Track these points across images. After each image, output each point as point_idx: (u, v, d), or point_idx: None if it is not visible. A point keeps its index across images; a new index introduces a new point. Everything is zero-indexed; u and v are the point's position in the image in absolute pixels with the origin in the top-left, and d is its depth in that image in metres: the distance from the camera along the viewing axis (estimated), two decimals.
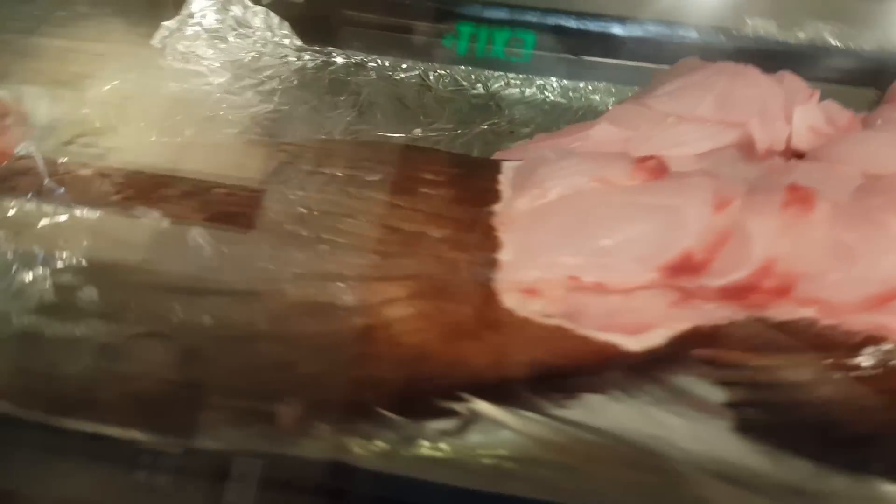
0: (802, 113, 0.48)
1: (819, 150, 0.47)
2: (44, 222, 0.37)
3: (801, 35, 0.71)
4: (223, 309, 0.33)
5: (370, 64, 0.60)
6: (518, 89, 0.59)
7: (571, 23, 0.68)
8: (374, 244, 0.35)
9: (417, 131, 0.53)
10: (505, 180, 0.41)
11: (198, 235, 0.34)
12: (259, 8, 0.61)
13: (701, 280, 0.36)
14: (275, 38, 0.61)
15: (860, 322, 0.36)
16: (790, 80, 0.50)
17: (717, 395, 0.34)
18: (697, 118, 0.49)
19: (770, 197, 0.37)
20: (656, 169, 0.40)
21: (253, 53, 0.59)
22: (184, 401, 0.31)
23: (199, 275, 0.33)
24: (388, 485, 0.30)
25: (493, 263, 0.35)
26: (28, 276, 0.35)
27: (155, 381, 0.31)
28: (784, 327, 0.36)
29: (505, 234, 0.37)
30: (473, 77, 0.59)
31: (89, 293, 0.33)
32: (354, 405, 0.32)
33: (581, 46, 0.69)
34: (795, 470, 0.30)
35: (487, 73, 0.60)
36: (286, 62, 0.59)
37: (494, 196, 0.39)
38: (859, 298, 0.36)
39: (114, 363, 0.31)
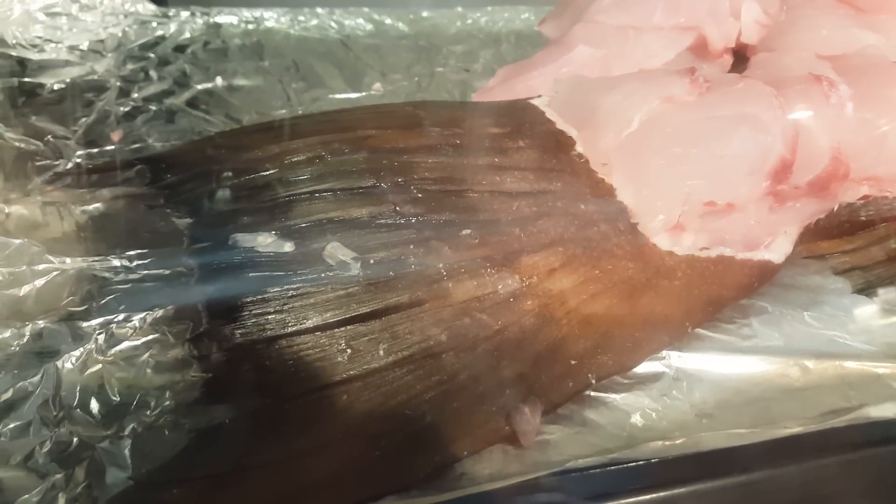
0: (749, 7, 0.49)
1: (768, 40, 0.49)
2: None
3: None
4: (391, 331, 0.25)
5: (268, 15, 0.50)
6: (437, 23, 0.54)
7: None
8: (504, 214, 0.29)
9: (378, 86, 0.45)
10: (557, 120, 0.36)
11: (335, 252, 0.25)
12: None
13: (792, 180, 0.36)
14: (127, 4, 0.47)
15: None
16: None
17: (842, 283, 0.35)
18: (654, 27, 0.48)
19: (807, 89, 0.38)
20: (706, 82, 0.38)
21: (116, 27, 0.45)
22: (396, 454, 0.23)
23: (355, 296, 0.25)
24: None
25: (622, 209, 0.31)
26: None
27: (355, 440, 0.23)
28: (857, 209, 0.38)
29: (609, 176, 0.33)
30: (392, 16, 0.52)
31: None
32: (573, 394, 0.27)
33: None
34: None
35: (399, 11, 0.53)
36: (162, 33, 0.46)
37: (566, 138, 0.34)
38: None
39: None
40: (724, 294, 0.30)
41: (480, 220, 0.28)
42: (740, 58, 0.50)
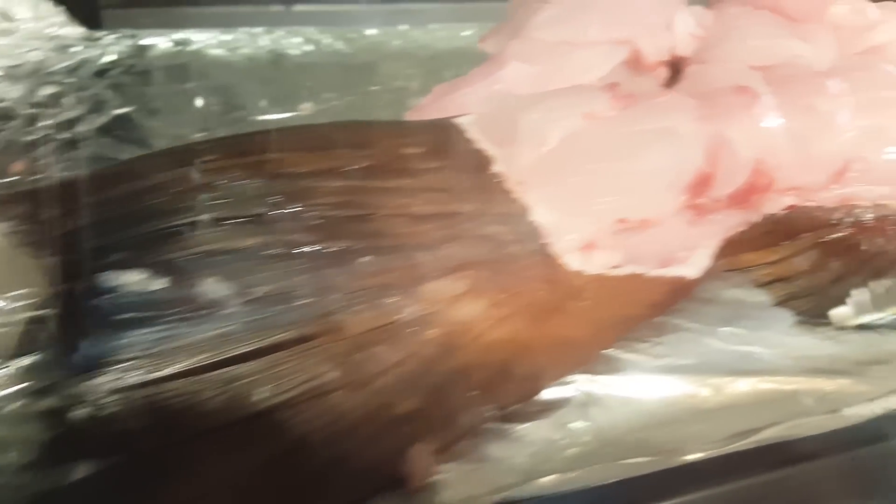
0: (682, 19, 0.49)
1: (702, 52, 0.49)
2: None
3: None
4: (274, 371, 0.24)
5: (195, 39, 0.48)
6: (375, 42, 0.53)
7: None
8: (408, 239, 0.28)
9: (307, 106, 0.44)
10: (478, 138, 0.36)
11: (212, 289, 0.24)
12: None
13: (712, 193, 0.35)
14: (51, 28, 0.46)
15: (831, 198, 0.38)
16: None
17: (764, 296, 0.34)
18: (589, 42, 0.48)
19: (729, 101, 0.37)
20: (629, 95, 0.37)
21: (36, 52, 0.44)
22: None
23: (234, 335, 0.23)
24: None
25: (534, 229, 0.30)
26: None
27: (227, 495, 0.22)
28: (781, 220, 0.37)
29: (526, 194, 0.32)
30: (327, 35, 0.51)
31: None
32: (472, 428, 0.26)
33: None
34: (861, 342, 0.32)
35: (339, 29, 0.52)
36: (86, 57, 0.45)
37: (484, 157, 0.34)
38: (824, 177, 0.38)
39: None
40: (636, 313, 0.29)
41: (383, 246, 0.27)
42: (677, 70, 0.49)
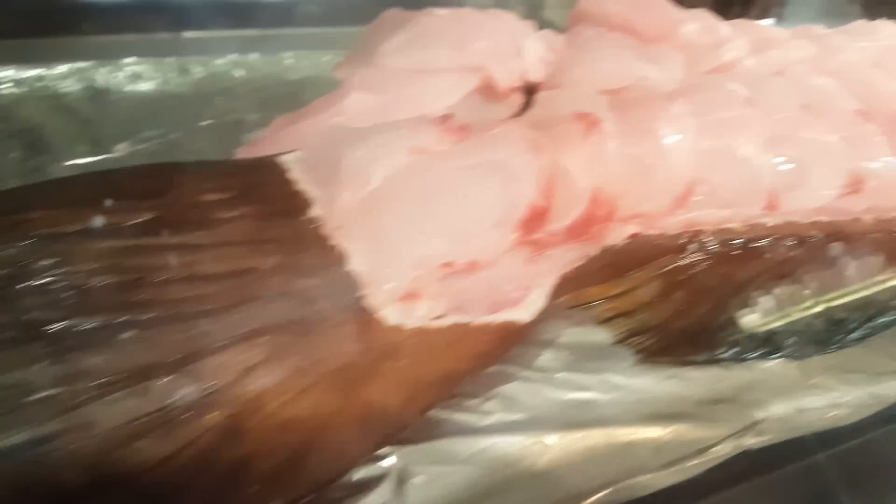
0: (531, 45, 0.47)
1: (553, 77, 0.47)
2: None
3: None
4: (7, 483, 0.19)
5: (5, 75, 0.43)
6: (214, 72, 0.48)
7: None
8: (190, 306, 0.24)
9: (122, 147, 0.39)
10: (300, 178, 0.32)
11: None
12: None
13: (548, 227, 0.33)
14: None
15: (675, 224, 0.37)
16: (505, 16, 0.49)
17: (604, 335, 0.32)
18: (439, 70, 0.45)
19: (567, 129, 0.35)
20: (461, 128, 0.35)
21: None
22: None
23: None
24: None
25: (350, 280, 0.27)
26: None
27: None
28: (623, 250, 0.35)
29: (344, 241, 0.28)
30: (157, 69, 0.47)
31: None
32: None
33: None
34: (703, 380, 0.30)
35: (170, 60, 0.48)
36: None
37: (302, 200, 0.30)
38: (668, 203, 0.37)
39: None
40: (462, 367, 0.26)
41: (155, 317, 0.23)
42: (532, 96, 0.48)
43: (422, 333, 0.26)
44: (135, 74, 0.45)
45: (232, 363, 0.23)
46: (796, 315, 0.34)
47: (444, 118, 0.34)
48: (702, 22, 0.50)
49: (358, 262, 0.28)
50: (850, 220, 0.38)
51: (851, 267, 0.36)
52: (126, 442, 0.21)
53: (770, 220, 0.36)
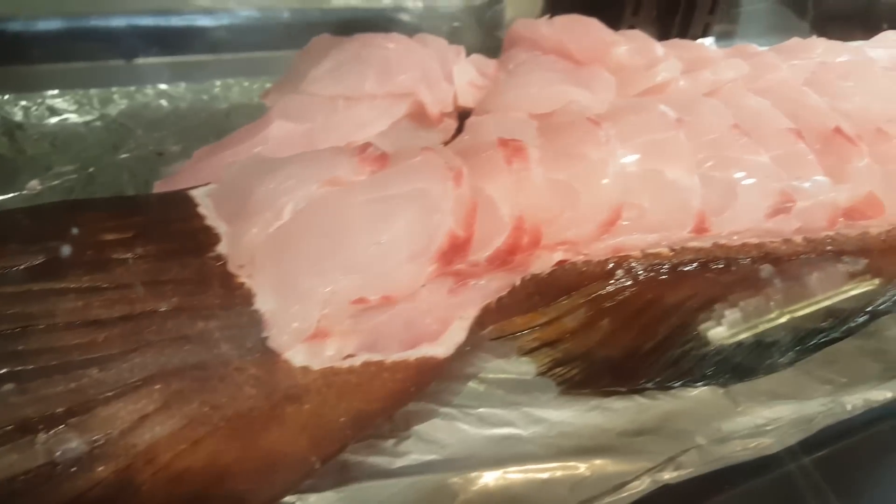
0: (460, 70, 0.47)
1: (484, 101, 0.47)
2: None
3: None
4: None
5: None
6: (136, 102, 0.47)
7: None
8: (79, 354, 0.23)
9: (34, 183, 0.38)
10: (209, 213, 0.31)
11: None
12: None
13: (470, 257, 0.33)
14: None
15: (602, 250, 0.37)
16: (433, 40, 0.49)
17: (529, 366, 0.32)
18: (367, 96, 0.45)
19: (490, 156, 0.35)
20: (379, 157, 0.34)
21: None
22: None
23: None
24: None
25: (255, 320, 0.26)
26: None
27: None
28: (550, 278, 0.35)
29: (251, 279, 0.28)
30: (76, 100, 0.46)
31: None
32: None
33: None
34: (627, 410, 0.30)
35: (92, 91, 0.47)
36: None
37: (209, 236, 0.29)
38: (594, 228, 0.37)
39: None
40: (370, 409, 0.25)
41: (39, 366, 0.22)
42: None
43: (331, 374, 0.26)
44: (54, 107, 0.44)
45: (123, 413, 0.23)
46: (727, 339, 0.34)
47: (362, 147, 0.34)
48: (635, 43, 0.51)
49: (264, 301, 0.27)
50: (781, 241, 0.39)
51: (782, 289, 0.37)
52: (8, 500, 0.20)
53: (698, 243, 0.37)
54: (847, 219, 0.39)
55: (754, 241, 0.38)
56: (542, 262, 0.35)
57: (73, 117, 0.44)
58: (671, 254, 0.36)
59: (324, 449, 0.24)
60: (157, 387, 0.23)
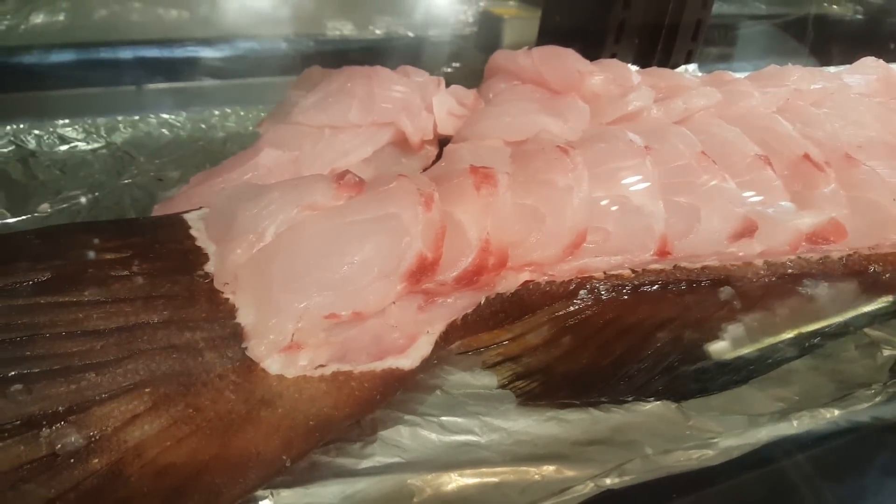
0: (439, 100, 0.51)
1: (462, 130, 0.51)
2: None
3: (378, 31, 0.77)
4: None
5: None
6: (139, 131, 0.52)
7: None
8: (79, 360, 0.27)
9: (45, 207, 0.43)
10: (200, 235, 0.35)
11: None
12: None
13: (438, 277, 0.36)
14: None
15: (566, 271, 0.40)
16: (414, 72, 0.53)
17: (491, 379, 0.35)
18: (351, 125, 0.49)
19: (460, 182, 0.39)
20: (357, 183, 0.38)
21: None
22: None
23: None
24: None
25: (236, 332, 0.30)
26: None
27: None
28: (515, 297, 0.39)
29: (234, 295, 0.32)
30: (84, 129, 0.50)
31: None
32: None
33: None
34: (581, 421, 0.33)
35: (99, 120, 0.51)
36: None
37: (198, 256, 0.33)
38: (559, 251, 0.40)
39: None
40: (338, 414, 0.29)
41: (43, 370, 0.26)
42: None
43: (303, 382, 0.29)
44: (64, 136, 0.49)
45: (116, 412, 0.26)
46: None
47: (341, 175, 0.38)
48: (611, 72, 0.55)
49: (245, 315, 0.31)
50: (742, 263, 0.42)
51: (741, 310, 0.40)
52: (15, 485, 0.24)
53: (660, 265, 0.40)
54: (809, 243, 0.43)
55: (715, 263, 0.41)
56: (509, 282, 0.39)
57: (82, 145, 0.48)
58: (633, 275, 0.40)
59: (294, 449, 0.28)
60: (147, 390, 0.27)
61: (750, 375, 0.36)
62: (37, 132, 0.48)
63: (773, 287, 0.41)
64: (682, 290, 0.40)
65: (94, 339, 0.28)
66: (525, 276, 0.39)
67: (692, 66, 0.71)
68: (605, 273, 0.39)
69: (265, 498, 0.27)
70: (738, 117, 0.52)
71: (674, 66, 0.68)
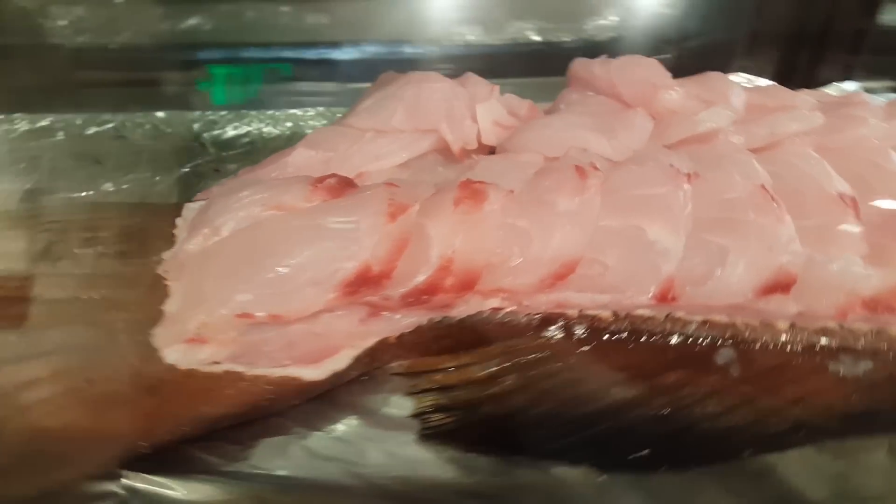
0: (484, 109, 0.48)
1: (506, 142, 0.48)
2: None
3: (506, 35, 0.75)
4: None
5: (58, 125, 0.55)
6: (231, 127, 0.57)
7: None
8: (11, 322, 0.31)
9: (108, 186, 0.48)
10: (182, 224, 0.38)
11: None
12: None
13: (385, 291, 0.35)
14: None
15: (541, 303, 0.36)
16: (473, 80, 0.51)
17: (408, 406, 0.33)
18: (393, 130, 0.49)
19: (444, 196, 0.37)
20: (336, 187, 0.38)
21: None
22: None
23: None
24: None
25: (157, 318, 0.32)
26: None
27: None
28: (470, 322, 0.36)
29: (173, 283, 0.33)
30: (178, 120, 0.56)
31: None
32: None
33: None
34: (478, 471, 0.29)
35: (194, 114, 0.57)
36: None
37: (167, 243, 0.35)
38: (537, 280, 0.36)
39: None
40: (213, 413, 0.29)
41: None
42: None
43: (191, 375, 0.30)
44: (155, 125, 0.55)
45: (18, 374, 0.29)
46: None
47: (321, 178, 0.37)
48: (703, 87, 0.48)
49: (172, 304, 0.33)
50: (759, 324, 0.34)
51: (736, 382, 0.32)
52: None
53: (651, 312, 0.34)
54: (867, 310, 0.33)
55: (722, 319, 0.34)
56: (472, 307, 0.35)
57: (169, 132, 0.54)
58: (612, 319, 0.34)
59: (155, 437, 0.28)
60: (55, 358, 0.30)
61: (714, 458, 0.30)
62: (137, 120, 0.55)
63: (794, 359, 0.33)
64: (668, 344, 0.33)
65: (28, 305, 0.31)
66: (494, 302, 0.35)
67: (853, 85, 0.59)
68: (580, 312, 0.35)
69: (125, 478, 0.28)
70: (841, 148, 0.43)
71: (823, 84, 0.57)
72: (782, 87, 0.49)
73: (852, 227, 0.37)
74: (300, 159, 0.46)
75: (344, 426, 0.31)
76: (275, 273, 0.32)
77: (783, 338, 0.34)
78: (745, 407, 0.31)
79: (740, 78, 0.62)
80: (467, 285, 0.35)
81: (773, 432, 0.30)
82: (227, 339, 0.31)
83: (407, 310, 0.34)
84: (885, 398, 0.31)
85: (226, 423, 0.29)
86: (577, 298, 0.35)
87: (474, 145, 0.48)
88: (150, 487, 0.28)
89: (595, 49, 0.64)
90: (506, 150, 0.46)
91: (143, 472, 0.28)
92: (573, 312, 0.35)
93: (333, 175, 0.39)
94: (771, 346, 0.33)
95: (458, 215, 0.35)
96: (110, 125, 0.54)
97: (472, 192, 0.36)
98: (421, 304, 0.34)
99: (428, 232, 0.35)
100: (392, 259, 0.35)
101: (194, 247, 0.35)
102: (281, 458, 0.29)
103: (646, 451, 0.29)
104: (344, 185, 0.38)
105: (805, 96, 0.50)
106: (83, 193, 0.46)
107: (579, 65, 0.51)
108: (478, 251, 0.35)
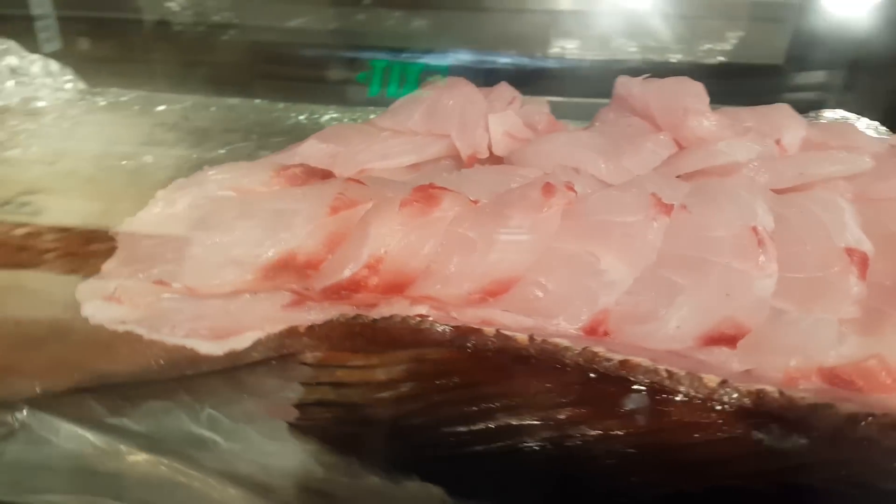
0: (497, 120, 0.47)
1: (511, 154, 0.46)
2: None
3: None
4: None
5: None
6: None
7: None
8: None
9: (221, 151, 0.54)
10: (159, 195, 0.40)
11: None
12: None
13: (310, 281, 0.35)
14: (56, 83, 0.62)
15: (467, 316, 0.33)
16: (500, 89, 0.49)
17: (297, 392, 0.32)
18: (409, 131, 0.48)
19: (393, 197, 0.35)
20: (299, 176, 0.38)
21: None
22: None
23: None
24: None
25: (94, 273, 0.34)
26: None
27: None
28: (384, 325, 0.34)
29: (119, 246, 0.36)
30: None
31: None
32: None
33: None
34: (332, 469, 0.28)
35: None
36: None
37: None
38: (468, 293, 0.33)
39: None
40: (105, 368, 0.30)
41: None
42: None
43: (97, 330, 0.32)
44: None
45: None
46: None
47: (286, 167, 0.38)
48: (750, 118, 0.42)
49: (110, 262, 0.35)
50: (685, 373, 0.29)
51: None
52: None
53: (567, 343, 0.31)
54: (826, 382, 0.27)
55: (645, 363, 0.30)
56: (396, 310, 0.34)
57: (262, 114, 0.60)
58: (526, 344, 0.31)
59: (57, 379, 0.30)
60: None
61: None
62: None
63: (711, 418, 0.28)
64: (576, 379, 0.30)
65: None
66: (421, 309, 0.34)
67: None
68: (497, 331, 0.32)
69: (17, 411, 0.30)
70: (883, 200, 0.35)
71: None
72: (853, 126, 0.42)
73: (847, 287, 0.31)
74: (309, 150, 0.47)
75: (223, 404, 0.31)
76: (201, 248, 0.34)
77: (707, 394, 0.29)
78: (639, 457, 0.27)
79: (835, 115, 0.55)
80: (395, 288, 0.34)
81: (662, 492, 0.26)
82: (142, 303, 0.33)
83: (329, 303, 0.34)
84: (810, 483, 0.25)
85: (118, 380, 0.31)
86: (502, 318, 0.32)
87: (485, 154, 0.46)
88: (38, 430, 0.30)
89: None
90: (511, 163, 0.44)
91: (40, 410, 0.30)
92: (490, 330, 0.32)
93: (301, 165, 0.39)
94: (690, 401, 0.29)
95: (400, 218, 0.34)
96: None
97: (425, 196, 0.35)
98: (342, 299, 0.34)
99: (367, 230, 0.34)
100: (323, 251, 0.34)
101: (147, 216, 0.37)
102: (156, 420, 0.30)
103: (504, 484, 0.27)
104: (309, 176, 0.39)
105: (880, 139, 0.43)
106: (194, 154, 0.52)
107: (621, 83, 0.47)
108: (413, 255, 0.34)
